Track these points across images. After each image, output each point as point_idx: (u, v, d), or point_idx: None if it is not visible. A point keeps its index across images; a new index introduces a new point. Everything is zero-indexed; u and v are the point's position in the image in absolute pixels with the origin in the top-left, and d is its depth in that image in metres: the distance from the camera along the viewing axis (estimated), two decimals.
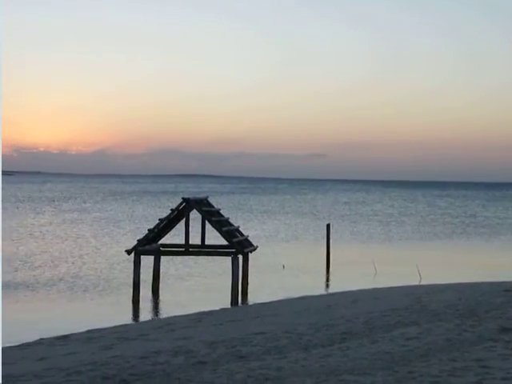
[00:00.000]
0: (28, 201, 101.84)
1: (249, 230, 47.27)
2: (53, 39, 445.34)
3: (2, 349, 16.17)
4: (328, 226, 37.39)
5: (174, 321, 19.98)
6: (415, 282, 29.44)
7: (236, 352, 13.60)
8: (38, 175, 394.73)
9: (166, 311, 23.60)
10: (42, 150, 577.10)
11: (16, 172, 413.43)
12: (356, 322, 16.87)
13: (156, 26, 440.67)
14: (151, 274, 27.28)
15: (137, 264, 25.30)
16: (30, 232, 51.49)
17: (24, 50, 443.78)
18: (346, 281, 30.65)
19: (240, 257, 26.07)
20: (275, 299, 24.62)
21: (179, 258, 32.77)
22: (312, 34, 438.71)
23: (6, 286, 27.82)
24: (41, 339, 17.40)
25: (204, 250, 26.79)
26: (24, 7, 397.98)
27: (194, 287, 28.70)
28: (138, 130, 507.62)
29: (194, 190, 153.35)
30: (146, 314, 23.30)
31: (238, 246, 25.78)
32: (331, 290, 28.71)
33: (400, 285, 27.28)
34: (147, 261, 28.03)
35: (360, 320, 17.08)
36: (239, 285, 25.75)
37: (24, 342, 17.07)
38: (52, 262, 35.17)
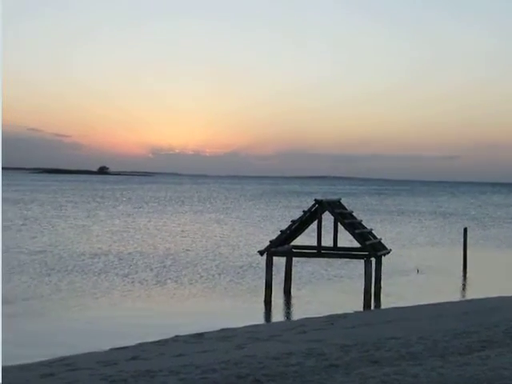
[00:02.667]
0: (169, 201, 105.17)
1: (382, 232, 46.56)
2: (192, 43, 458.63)
3: (142, 344, 16.76)
4: (465, 229, 36.20)
5: (305, 322, 19.93)
6: None
7: (369, 356, 13.36)
8: (174, 176, 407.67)
9: (297, 313, 23.59)
10: (177, 151, 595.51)
11: (154, 173, 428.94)
12: (496, 330, 16.17)
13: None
14: (283, 275, 27.38)
15: (269, 265, 25.46)
16: (175, 231, 53.20)
17: (163, 54, 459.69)
18: (484, 287, 29.51)
19: (373, 260, 25.68)
20: (409, 304, 24.06)
21: (311, 259, 32.74)
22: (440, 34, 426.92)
23: (154, 281, 28.86)
24: (176, 336, 17.83)
25: (336, 252, 26.60)
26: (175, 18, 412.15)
27: (326, 289, 28.55)
28: (270, 131, 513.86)
29: (325, 192, 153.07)
30: (277, 315, 23.38)
31: (371, 249, 25.40)
32: (468, 296, 27.72)
33: None
34: (280, 262, 28.20)
35: (500, 328, 16.37)
36: (372, 288, 25.36)
37: (161, 338, 17.57)
38: (195, 259, 36.17)
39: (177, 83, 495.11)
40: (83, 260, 34.86)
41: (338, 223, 26.00)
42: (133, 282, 28.55)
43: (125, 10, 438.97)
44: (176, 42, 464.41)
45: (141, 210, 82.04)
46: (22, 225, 54.51)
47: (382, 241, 27.85)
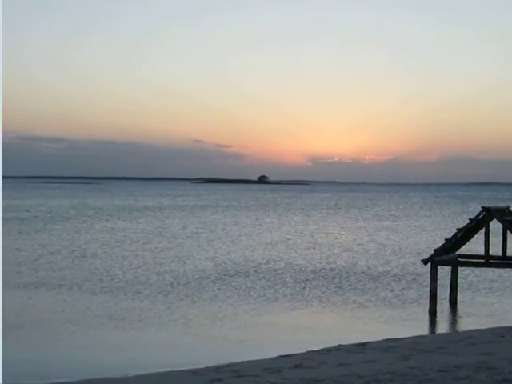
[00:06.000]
0: (332, 209, 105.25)
1: None
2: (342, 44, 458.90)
3: (305, 352, 16.80)
4: None
5: (473, 334, 19.17)
6: None
7: None
8: (332, 184, 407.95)
9: (464, 324, 22.76)
10: (336, 159, 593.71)
11: (311, 181, 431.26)
12: None
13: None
14: (448, 285, 26.54)
15: (433, 274, 24.75)
16: (343, 238, 53.27)
17: (319, 62, 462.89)
18: None
19: None
20: None
21: (478, 269, 31.50)
22: None
23: (322, 288, 28.88)
24: (339, 345, 17.72)
25: (506, 261, 25.40)
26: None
27: (495, 300, 27.32)
28: (432, 137, 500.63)
29: (491, 198, 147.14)
30: (443, 326, 22.67)
31: None
32: None
33: None
34: (444, 271, 27.37)
35: None
36: None
37: (324, 347, 17.53)
38: (363, 267, 35.94)
39: (336, 91, 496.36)
40: (259, 266, 35.81)
41: (508, 231, 24.83)
42: (304, 288, 29.01)
43: (280, 22, 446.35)
44: (331, 51, 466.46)
45: (307, 217, 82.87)
46: (195, 233, 56.62)
47: None
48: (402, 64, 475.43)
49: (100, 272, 32.68)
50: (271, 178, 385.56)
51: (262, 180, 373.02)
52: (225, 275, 32.26)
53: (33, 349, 17.88)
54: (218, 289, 28.46)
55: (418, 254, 41.04)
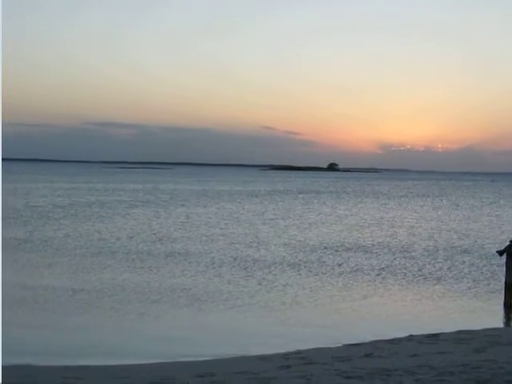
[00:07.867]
0: (406, 197, 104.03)
1: None
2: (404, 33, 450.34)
3: (375, 342, 16.79)
4: None
5: None
6: None
7: None
8: (402, 172, 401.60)
9: None
10: (407, 147, 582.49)
11: (382, 169, 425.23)
12: None
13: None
14: None
15: (509, 266, 24.22)
16: (418, 226, 52.56)
17: (392, 49, 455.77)
18: None
19: None
20: None
21: None
22: None
23: (397, 277, 28.63)
24: (410, 336, 17.63)
25: None
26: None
27: None
28: (509, 124, 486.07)
29: None
30: None
31: None
32: None
33: None
34: None
35: None
36: None
37: (395, 337, 17.46)
38: (435, 257, 35.36)
39: (409, 77, 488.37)
40: (336, 252, 35.74)
41: None
42: (381, 275, 28.92)
43: (351, 11, 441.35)
44: (402, 38, 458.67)
45: (382, 205, 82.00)
46: (270, 219, 56.55)
47: None
48: (476, 47, 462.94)
49: (179, 255, 33.33)
50: (341, 165, 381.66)
51: (332, 167, 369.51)
52: (301, 261, 32.43)
53: (120, 329, 18.53)
54: (297, 274, 28.65)
55: (499, 244, 40.16)
